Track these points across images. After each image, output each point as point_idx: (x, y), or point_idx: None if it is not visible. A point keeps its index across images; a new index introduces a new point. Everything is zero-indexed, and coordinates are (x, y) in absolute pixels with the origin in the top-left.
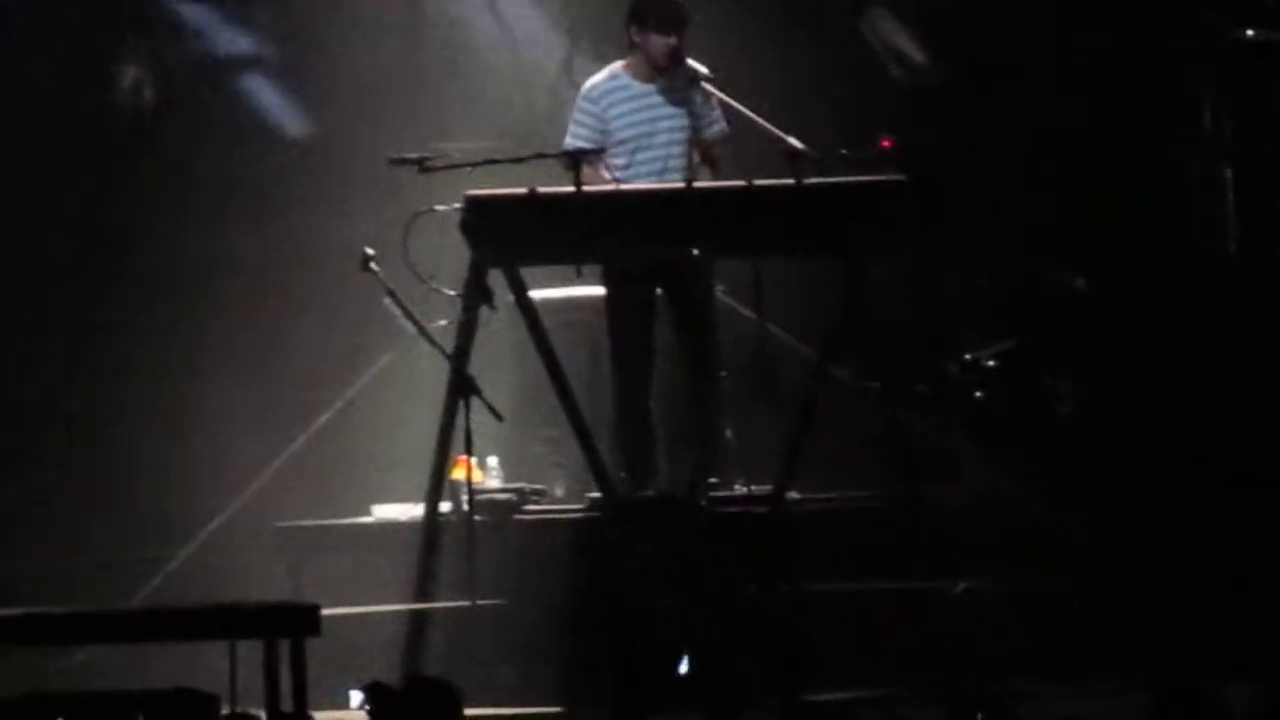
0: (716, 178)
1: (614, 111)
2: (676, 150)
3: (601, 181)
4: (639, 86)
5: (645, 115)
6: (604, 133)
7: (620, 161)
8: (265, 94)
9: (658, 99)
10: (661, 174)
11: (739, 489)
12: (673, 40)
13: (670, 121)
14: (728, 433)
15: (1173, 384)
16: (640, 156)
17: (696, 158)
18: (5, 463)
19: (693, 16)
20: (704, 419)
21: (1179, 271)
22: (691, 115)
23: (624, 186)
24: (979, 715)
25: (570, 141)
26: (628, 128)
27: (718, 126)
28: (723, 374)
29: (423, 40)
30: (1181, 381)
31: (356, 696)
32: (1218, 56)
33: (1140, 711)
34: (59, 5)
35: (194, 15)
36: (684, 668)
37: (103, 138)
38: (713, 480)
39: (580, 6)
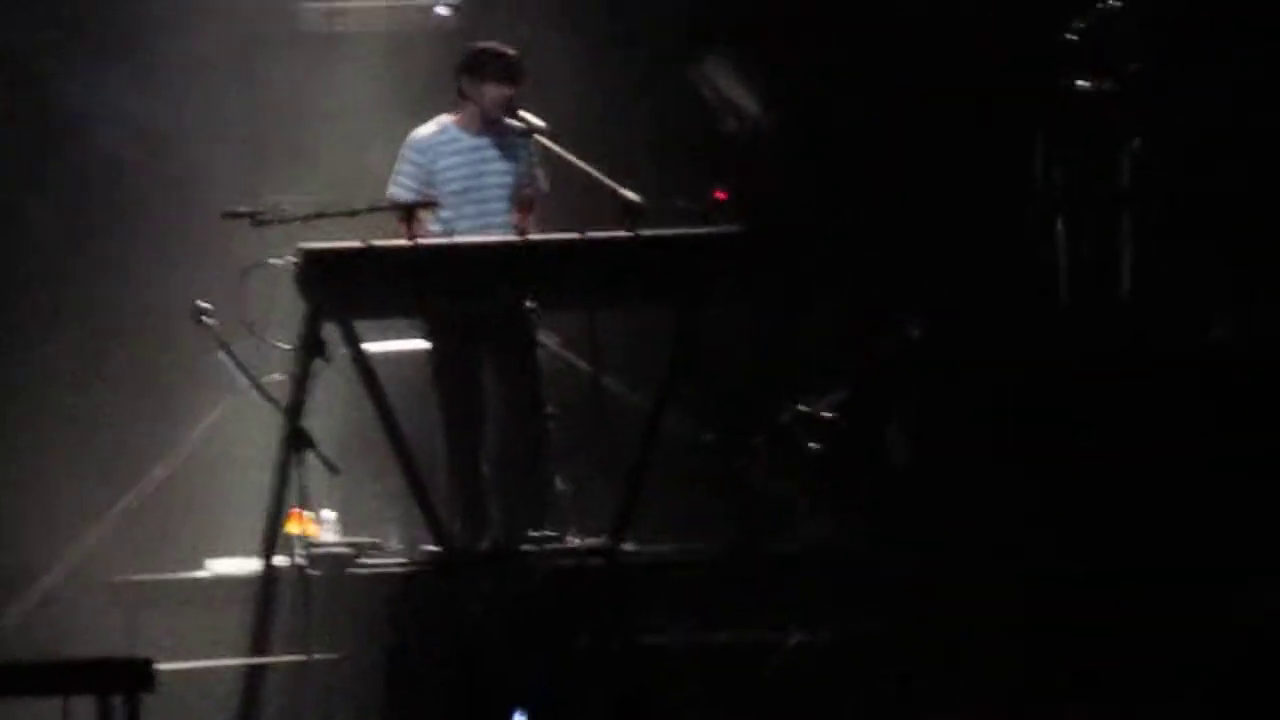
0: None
1: (441, 164)
2: (501, 205)
3: (428, 233)
4: (469, 139)
5: (474, 168)
6: (429, 184)
7: (446, 213)
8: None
9: (489, 152)
10: (486, 226)
11: (573, 541)
12: (508, 92)
13: (498, 176)
14: (558, 482)
15: (1007, 427)
16: (466, 210)
17: (517, 214)
18: None
19: (530, 72)
20: (530, 470)
21: (1013, 318)
22: (516, 171)
23: (458, 239)
24: None
25: (394, 191)
26: (454, 180)
27: (540, 185)
28: (550, 423)
29: (256, 93)
30: (1015, 424)
31: None
32: (1048, 106)
33: None
34: None
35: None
36: None
37: None
38: (548, 532)
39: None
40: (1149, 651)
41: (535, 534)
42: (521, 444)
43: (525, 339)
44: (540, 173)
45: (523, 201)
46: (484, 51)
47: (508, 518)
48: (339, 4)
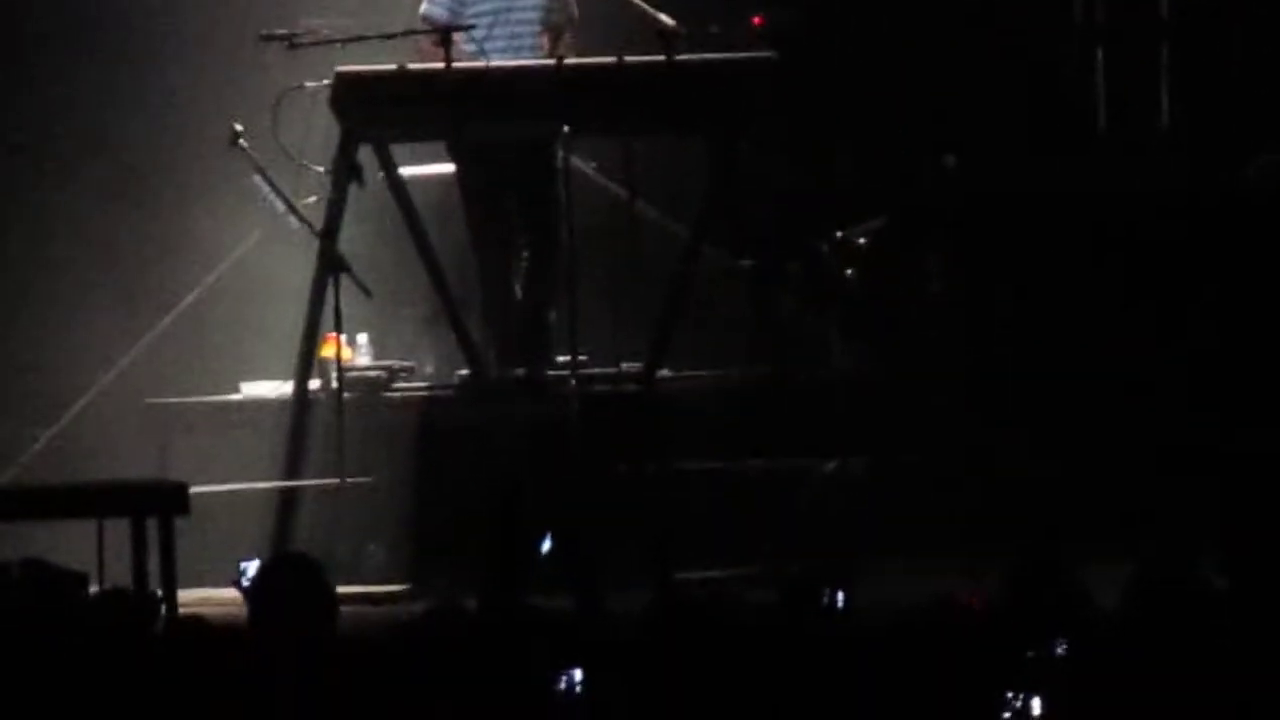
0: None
1: None
2: (533, 29)
3: (461, 55)
4: None
5: None
6: (461, 3)
7: (477, 34)
8: None
9: None
10: (517, 50)
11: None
12: None
13: (529, 0)
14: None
15: (1043, 257)
16: (497, 31)
17: (548, 40)
18: None
19: None
20: (550, 295)
21: (1049, 147)
22: None
23: (494, 63)
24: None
25: (427, 9)
26: (486, 1)
27: (570, 10)
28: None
29: None
30: (1052, 255)
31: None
32: None
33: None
34: None
35: None
36: (546, 547)
37: None
38: (582, 357)
39: None
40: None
41: (570, 359)
42: (547, 269)
43: (551, 163)
44: (573, 3)
45: (553, 27)
46: None
47: (536, 342)
48: None
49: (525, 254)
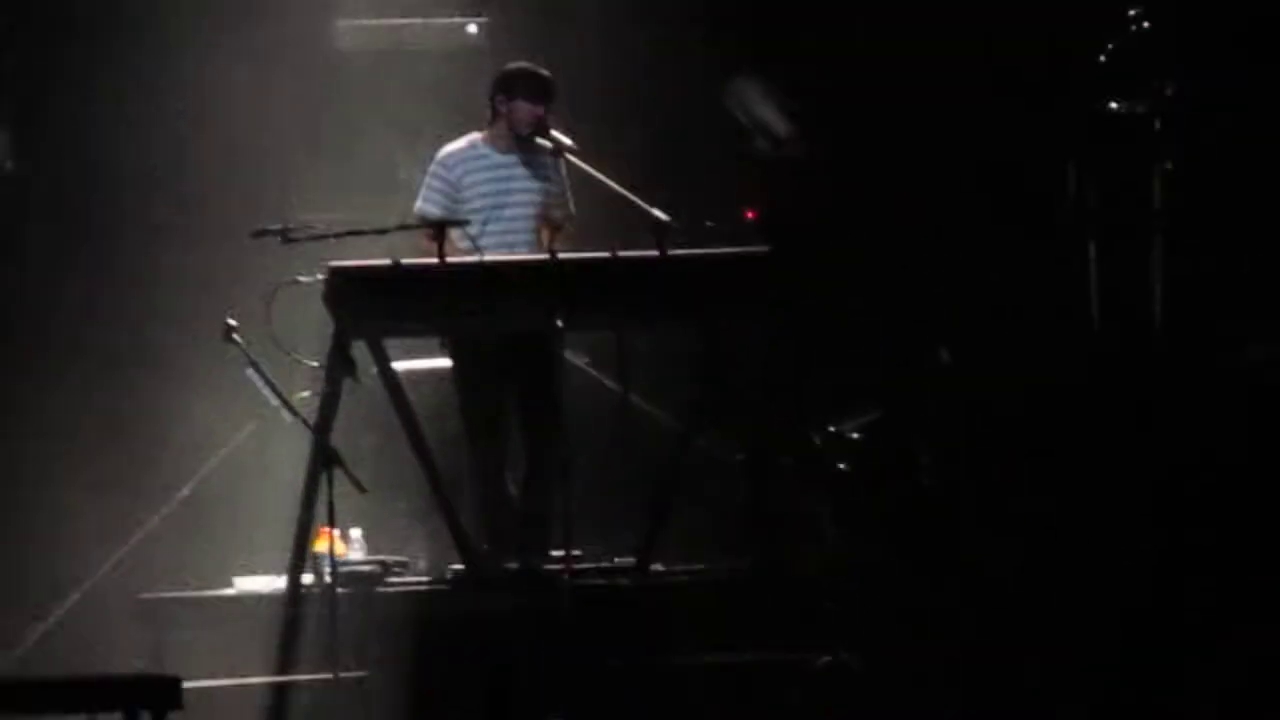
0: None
1: (468, 179)
2: (527, 224)
3: (455, 250)
4: (497, 156)
5: (500, 185)
6: (456, 200)
7: (472, 230)
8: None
9: (516, 170)
10: (512, 245)
11: (601, 560)
12: (540, 110)
13: (524, 195)
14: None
15: (1035, 450)
16: (492, 227)
17: (545, 234)
18: None
19: (562, 91)
20: (556, 489)
21: (1043, 340)
22: (545, 191)
23: (487, 257)
24: None
25: (421, 206)
26: (481, 197)
27: (569, 209)
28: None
29: (284, 110)
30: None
31: None
32: (1082, 128)
33: None
34: None
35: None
36: None
37: None
38: (575, 552)
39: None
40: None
41: (562, 553)
42: (547, 463)
43: (550, 359)
44: (569, 195)
45: (552, 222)
46: (517, 70)
47: (534, 536)
48: (371, 22)
49: (526, 446)
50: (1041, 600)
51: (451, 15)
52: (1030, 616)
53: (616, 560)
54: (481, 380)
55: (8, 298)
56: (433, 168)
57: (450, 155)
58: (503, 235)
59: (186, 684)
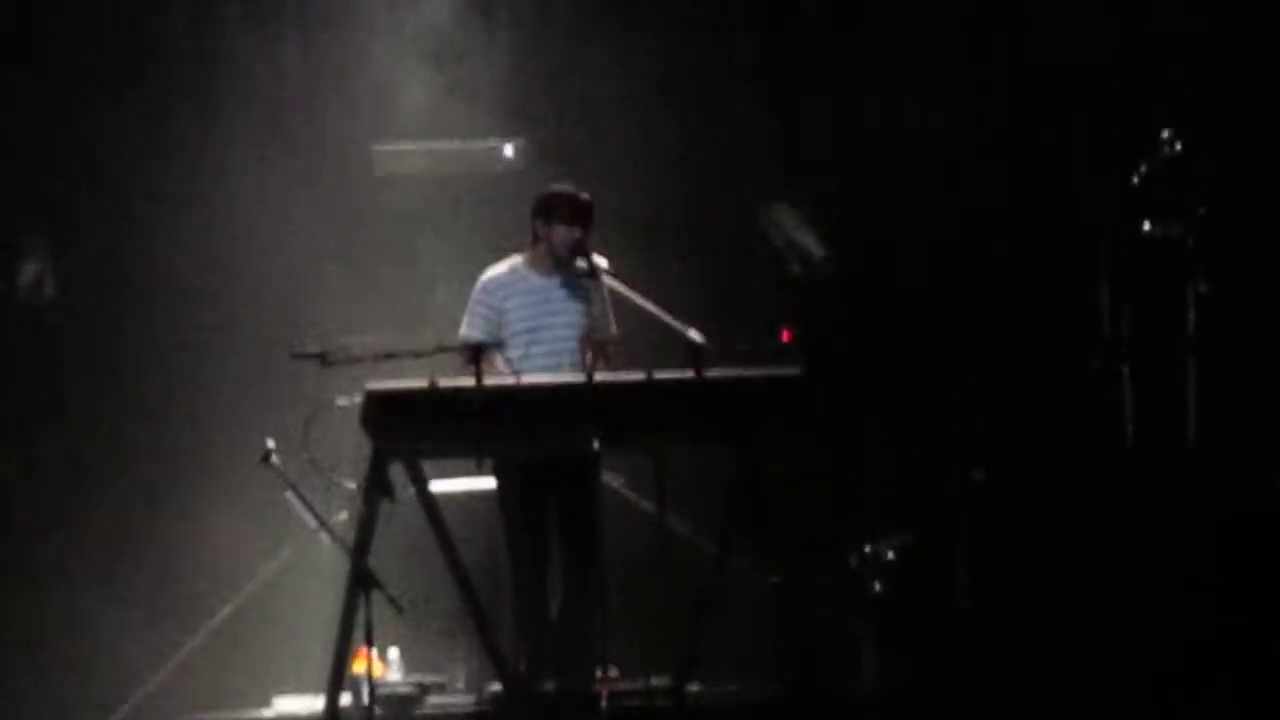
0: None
1: (511, 304)
2: (570, 345)
3: (498, 374)
4: (537, 279)
5: (542, 309)
6: (498, 325)
7: (515, 353)
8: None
9: (557, 293)
10: (556, 367)
11: (639, 681)
12: (577, 233)
13: (566, 316)
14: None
15: (1070, 570)
16: (535, 350)
17: (590, 355)
18: None
19: (598, 213)
20: (587, 610)
21: (1078, 462)
22: (587, 312)
23: (524, 380)
24: None
25: (465, 333)
26: (523, 320)
27: (610, 329)
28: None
29: (322, 230)
30: (1078, 568)
31: None
32: (1116, 249)
33: None
34: None
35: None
36: None
37: (4, 330)
38: (614, 673)
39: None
40: None
41: (601, 674)
42: (585, 584)
43: (590, 481)
44: (612, 315)
45: (596, 345)
46: (555, 194)
47: (572, 656)
48: (408, 146)
49: (565, 567)
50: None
51: (487, 138)
52: None
53: (653, 681)
54: (524, 499)
55: (45, 421)
56: (475, 294)
57: (492, 280)
58: (546, 358)
59: None
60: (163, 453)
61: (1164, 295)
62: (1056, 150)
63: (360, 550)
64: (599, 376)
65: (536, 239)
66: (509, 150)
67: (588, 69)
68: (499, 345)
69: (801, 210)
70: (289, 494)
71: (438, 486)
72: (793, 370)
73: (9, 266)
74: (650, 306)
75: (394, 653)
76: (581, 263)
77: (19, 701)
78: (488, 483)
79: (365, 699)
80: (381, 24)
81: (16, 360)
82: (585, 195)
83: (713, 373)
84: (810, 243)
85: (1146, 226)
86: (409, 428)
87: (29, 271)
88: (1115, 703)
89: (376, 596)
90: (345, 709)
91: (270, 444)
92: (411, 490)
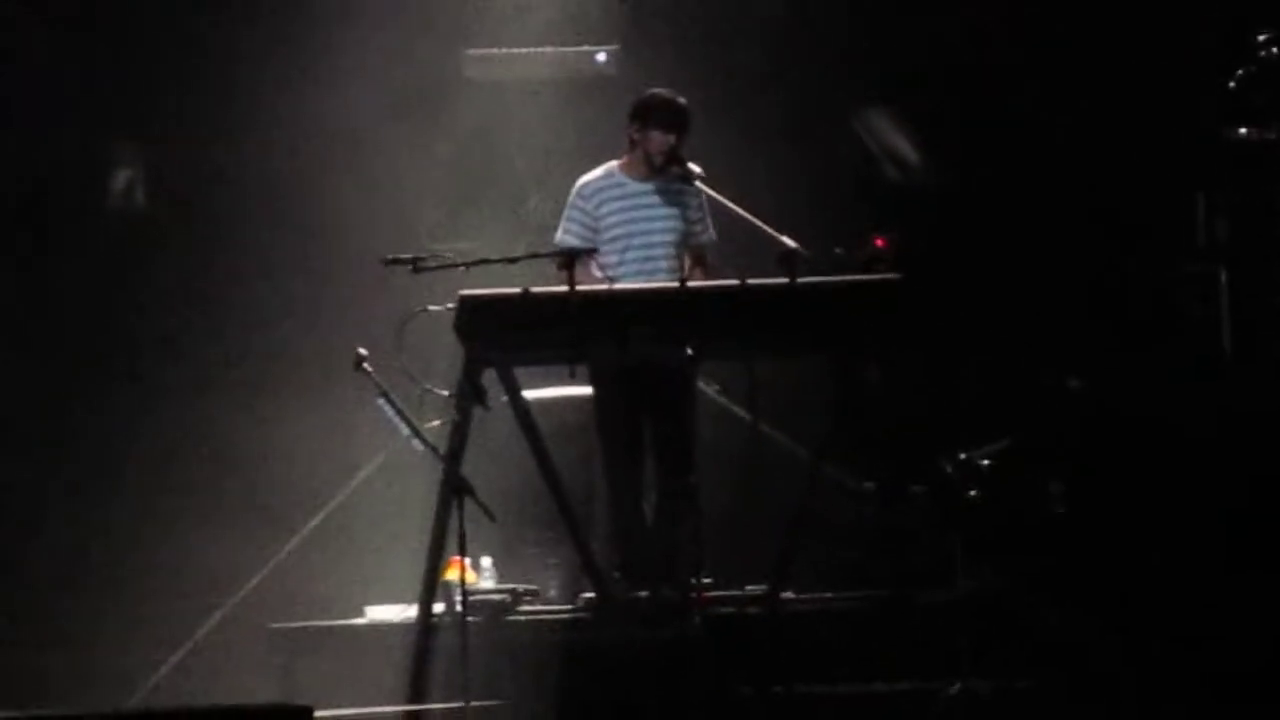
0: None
1: (606, 209)
2: (666, 250)
3: (593, 280)
4: (633, 185)
5: (637, 214)
6: (595, 230)
7: (611, 259)
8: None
9: (651, 198)
10: (651, 273)
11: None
12: (672, 139)
13: (661, 222)
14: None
15: (1165, 481)
16: (630, 255)
17: (687, 261)
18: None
19: (693, 118)
20: (681, 517)
21: (1173, 370)
22: (684, 218)
23: (617, 286)
24: None
25: (561, 238)
26: (619, 225)
27: (707, 235)
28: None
29: (413, 139)
30: (1174, 479)
31: None
32: (1210, 156)
33: None
34: (56, 102)
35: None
36: None
37: (99, 237)
38: (708, 579)
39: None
40: None
41: (695, 581)
42: (678, 491)
43: (684, 388)
44: (709, 220)
45: (695, 251)
46: (652, 98)
47: (665, 564)
48: (500, 51)
49: (659, 474)
50: (1175, 629)
51: (580, 44)
52: (1164, 645)
53: (747, 588)
54: (618, 406)
55: (138, 332)
56: (571, 199)
57: (587, 185)
58: (641, 264)
59: (318, 713)
60: (254, 360)
61: (1260, 202)
62: (1153, 56)
63: (453, 458)
64: (693, 283)
65: (633, 144)
66: (602, 56)
67: None
68: (594, 251)
69: (896, 117)
70: (381, 401)
71: (531, 394)
72: (888, 277)
73: (101, 173)
74: (745, 213)
75: (486, 561)
76: (677, 169)
77: (110, 612)
78: (581, 390)
79: (458, 607)
80: None
81: (106, 266)
82: (682, 100)
83: (807, 280)
84: (905, 148)
85: (1242, 132)
86: (502, 334)
87: (120, 178)
88: (1209, 611)
89: (469, 504)
90: (438, 617)
91: (362, 351)
92: (505, 397)
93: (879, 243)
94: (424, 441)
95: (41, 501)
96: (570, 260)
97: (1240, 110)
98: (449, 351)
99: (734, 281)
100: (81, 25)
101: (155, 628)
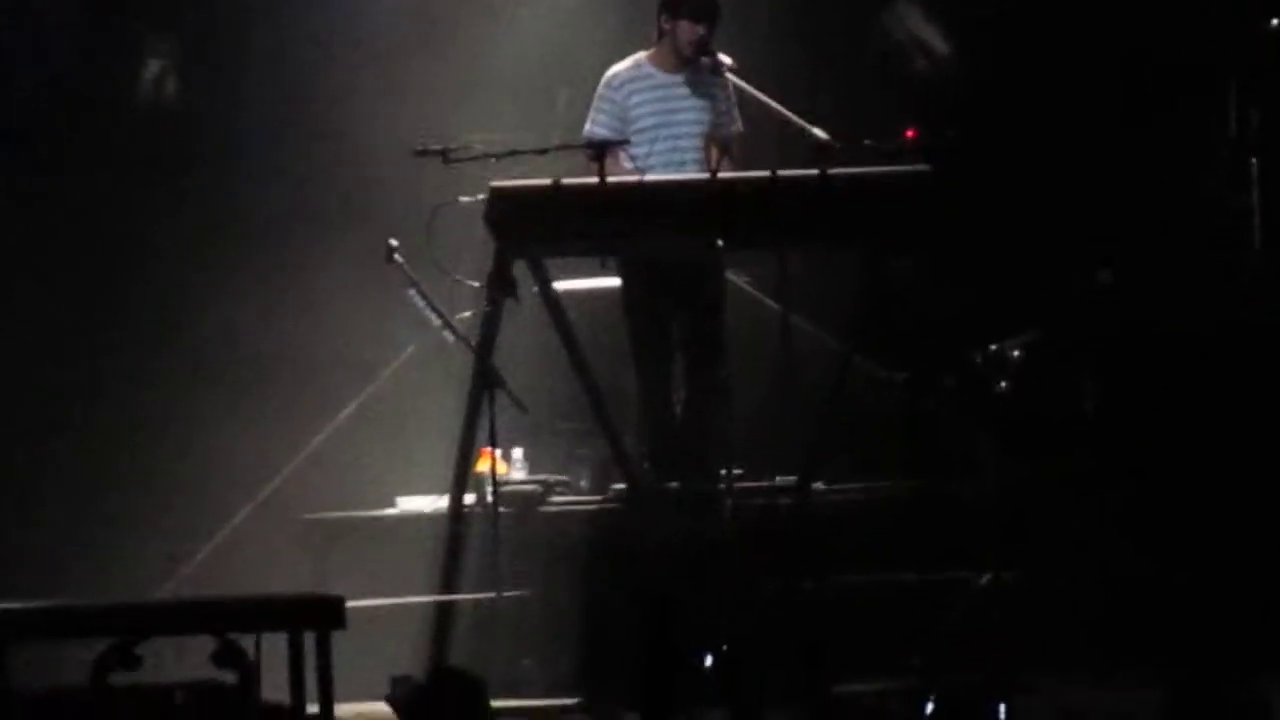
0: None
1: (634, 100)
2: (694, 142)
3: (622, 171)
4: (662, 76)
5: (666, 105)
6: (624, 120)
7: (639, 150)
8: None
9: (680, 90)
10: (680, 165)
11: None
12: (701, 29)
13: (690, 114)
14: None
15: (1196, 379)
16: (659, 146)
17: (714, 153)
18: (29, 464)
19: (723, 10)
20: (712, 409)
21: (1204, 265)
22: (712, 109)
23: (648, 178)
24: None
25: (590, 129)
26: (648, 116)
27: (734, 126)
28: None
29: (447, 31)
30: (1205, 377)
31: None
32: (1242, 47)
33: (1155, 708)
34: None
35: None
36: (708, 662)
37: (127, 130)
38: (737, 471)
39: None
40: None
41: (725, 472)
42: (709, 383)
43: (714, 279)
44: (736, 112)
45: (720, 142)
46: None
47: (696, 455)
48: None
49: (689, 366)
50: (1198, 528)
51: None
52: (1186, 544)
53: (778, 479)
54: (647, 298)
55: (166, 237)
56: (600, 90)
57: (615, 76)
58: (670, 154)
59: (350, 604)
60: (282, 250)
61: None
62: None
63: (484, 349)
64: (723, 175)
65: (661, 34)
66: None
67: None
68: (624, 142)
69: (925, 6)
70: (412, 292)
71: (561, 285)
72: (918, 168)
73: (134, 64)
74: (774, 104)
75: (517, 452)
76: (707, 60)
77: (139, 503)
78: (612, 281)
79: (489, 498)
80: None
81: (137, 157)
82: None
83: (837, 171)
84: (935, 39)
85: (1275, 23)
86: (532, 225)
87: (153, 69)
88: (1237, 514)
89: (501, 396)
90: (469, 508)
91: (393, 243)
92: (535, 288)
93: (909, 134)
94: (455, 332)
95: (69, 399)
96: (601, 152)
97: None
98: (480, 243)
99: (764, 173)
100: None
101: (186, 519)
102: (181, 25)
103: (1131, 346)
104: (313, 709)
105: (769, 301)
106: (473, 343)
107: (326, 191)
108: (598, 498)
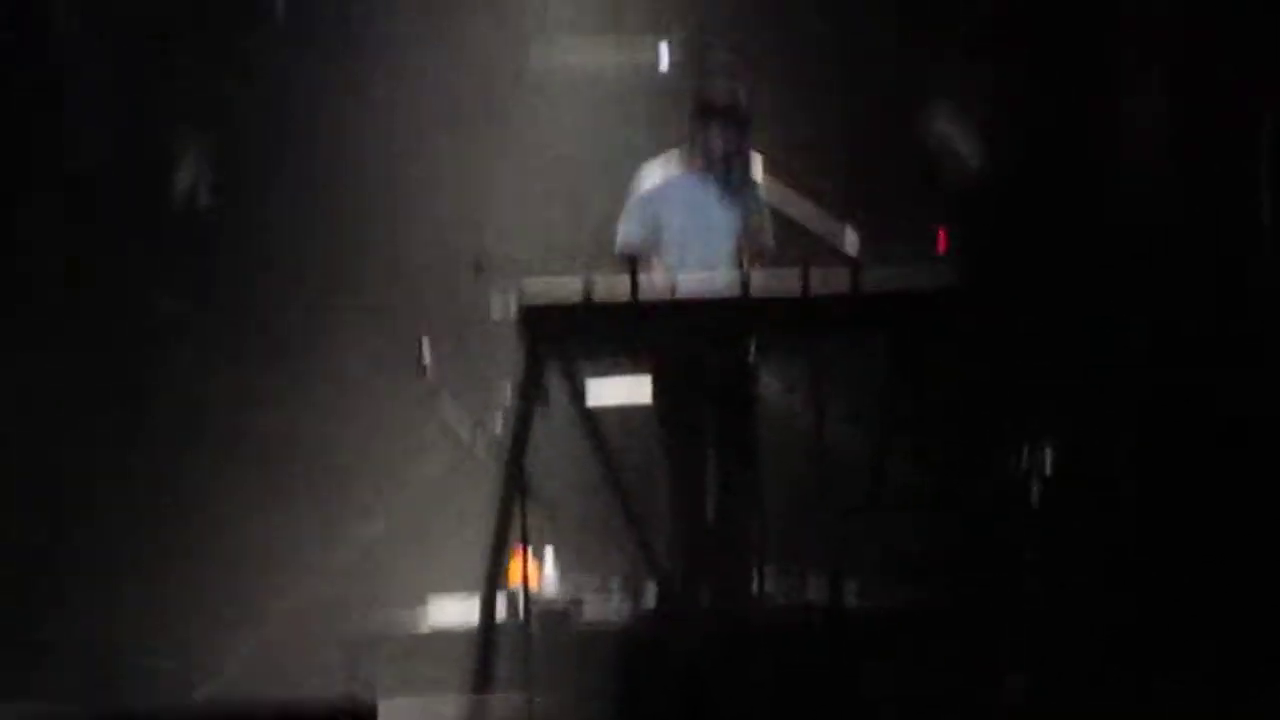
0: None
1: (666, 208)
2: (725, 249)
3: (654, 275)
4: (695, 181)
5: (698, 212)
6: (656, 229)
7: (670, 258)
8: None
9: (712, 195)
10: (713, 269)
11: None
12: (734, 135)
13: (721, 222)
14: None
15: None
16: (689, 258)
17: (745, 259)
18: (62, 552)
19: (755, 114)
20: (744, 513)
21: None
22: (744, 219)
23: (679, 292)
24: None
25: (623, 240)
26: (679, 223)
27: (766, 240)
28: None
29: (477, 136)
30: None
31: None
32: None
33: None
34: (121, 88)
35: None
36: None
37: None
38: (770, 574)
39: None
40: None
41: (757, 583)
42: (742, 487)
43: (747, 388)
44: (769, 225)
45: (753, 255)
46: (712, 95)
47: (729, 561)
48: (564, 39)
49: (722, 477)
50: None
51: (644, 33)
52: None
53: (809, 582)
54: (681, 407)
55: (197, 327)
56: (632, 199)
57: (647, 183)
58: (702, 263)
59: (382, 702)
60: (315, 352)
61: None
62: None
63: (514, 455)
64: (755, 283)
65: (694, 140)
66: (665, 49)
67: None
68: (656, 248)
69: (953, 110)
70: (444, 397)
71: (594, 397)
72: (949, 278)
73: (168, 169)
74: (805, 217)
75: (549, 555)
76: (739, 167)
77: (166, 595)
78: (644, 390)
79: (521, 601)
80: None
81: (169, 248)
82: (743, 95)
83: (869, 281)
84: (966, 146)
85: None
86: (564, 336)
87: (187, 175)
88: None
89: (532, 501)
90: (500, 623)
91: (425, 347)
92: (567, 399)
93: (940, 237)
94: (484, 444)
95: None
96: (634, 265)
97: None
98: (512, 351)
99: (797, 282)
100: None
101: (216, 622)
102: (218, 124)
103: (1168, 443)
104: None
105: (801, 409)
106: (504, 450)
107: (356, 296)
108: (630, 602)
